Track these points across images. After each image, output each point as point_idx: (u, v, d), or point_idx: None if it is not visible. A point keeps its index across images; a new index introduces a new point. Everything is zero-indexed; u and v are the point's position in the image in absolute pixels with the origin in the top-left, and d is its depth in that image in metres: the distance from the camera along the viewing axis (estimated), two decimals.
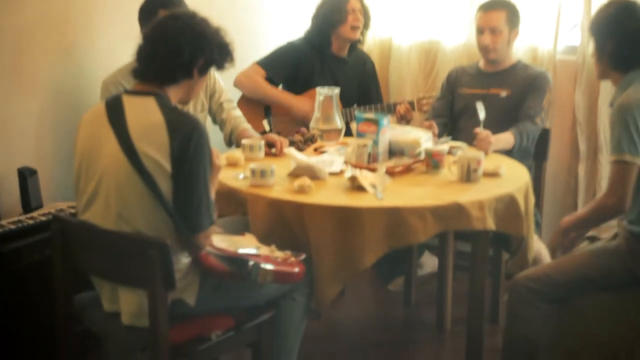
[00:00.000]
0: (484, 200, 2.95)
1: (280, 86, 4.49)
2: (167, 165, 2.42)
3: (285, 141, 3.60)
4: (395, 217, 2.84)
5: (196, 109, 3.81)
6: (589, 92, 4.39)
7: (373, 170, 3.17)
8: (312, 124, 3.80)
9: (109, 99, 2.57)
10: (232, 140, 3.87)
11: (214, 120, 3.93)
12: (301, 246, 2.87)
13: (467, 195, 2.98)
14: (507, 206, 3.04)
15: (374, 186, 3.01)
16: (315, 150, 3.57)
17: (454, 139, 3.90)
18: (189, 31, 2.51)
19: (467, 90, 4.16)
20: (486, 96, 4.05)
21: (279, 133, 4.09)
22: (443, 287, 3.97)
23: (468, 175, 3.15)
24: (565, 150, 4.52)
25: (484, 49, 4.06)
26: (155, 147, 2.42)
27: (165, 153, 2.42)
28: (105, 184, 2.47)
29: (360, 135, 3.41)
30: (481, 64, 4.21)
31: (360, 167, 3.21)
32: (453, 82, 4.27)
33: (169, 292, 2.43)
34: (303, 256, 2.69)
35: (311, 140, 3.63)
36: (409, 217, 2.84)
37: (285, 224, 2.92)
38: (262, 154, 3.49)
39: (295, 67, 4.44)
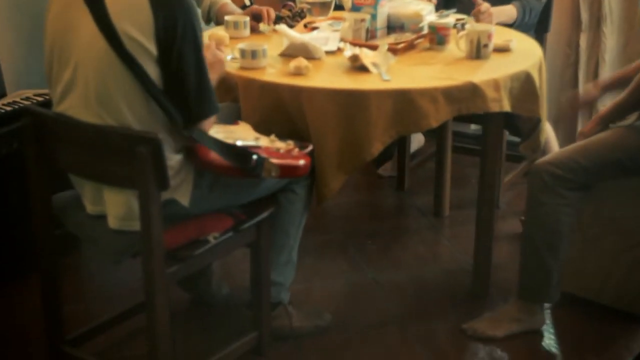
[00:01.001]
0: (499, 79, 2.72)
1: None
2: (152, 48, 2.14)
3: (272, 12, 3.29)
4: (403, 100, 2.61)
5: None
6: None
7: (374, 47, 2.90)
8: None
9: None
10: (211, 16, 3.55)
11: None
12: (301, 134, 2.64)
13: (480, 74, 2.75)
14: (523, 85, 2.82)
15: (376, 66, 2.76)
16: (306, 26, 3.28)
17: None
18: None
19: None
20: None
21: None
22: (442, 170, 3.76)
23: (478, 51, 2.90)
24: (566, 21, 4.27)
25: None
26: (137, 27, 2.14)
27: (149, 33, 2.14)
28: (83, 71, 2.19)
29: (355, 8, 3.12)
30: None
31: (359, 45, 2.94)
32: None
33: (162, 192, 2.18)
34: (310, 148, 2.45)
35: (300, 15, 3.34)
36: (419, 99, 2.61)
37: (282, 110, 2.67)
38: (248, 31, 3.20)
39: None
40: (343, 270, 3.30)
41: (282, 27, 3.00)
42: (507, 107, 2.75)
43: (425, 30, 3.10)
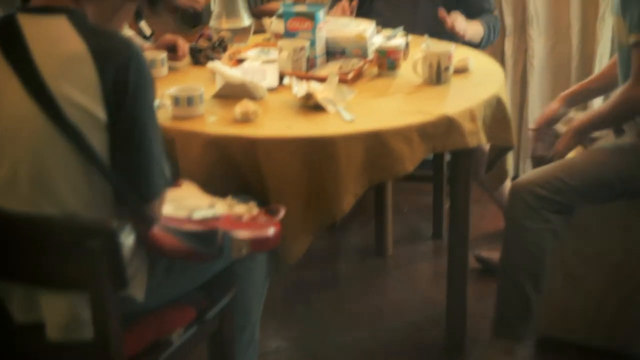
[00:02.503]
0: (474, 109, 2.46)
1: None
2: (100, 112, 1.75)
3: (186, 44, 2.91)
4: (376, 143, 2.30)
5: None
6: None
7: (321, 79, 2.57)
8: (212, 23, 3.12)
9: None
10: None
11: None
12: (256, 192, 2.28)
13: (452, 104, 2.48)
14: (495, 112, 2.58)
15: (332, 103, 2.43)
16: (231, 58, 2.91)
17: None
18: None
19: None
20: None
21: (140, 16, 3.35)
22: (382, 201, 3.45)
23: (438, 75, 2.63)
24: None
25: None
26: (79, 87, 1.74)
27: (95, 94, 1.74)
28: (10, 148, 1.78)
29: (290, 34, 2.78)
30: None
31: (304, 78, 2.60)
32: None
33: (120, 292, 1.78)
34: (281, 213, 2.09)
35: (221, 45, 2.96)
36: (393, 141, 2.31)
37: (233, 166, 2.31)
38: (166, 69, 2.80)
39: None
40: (295, 336, 2.95)
41: (215, 64, 2.62)
42: (484, 139, 2.49)
43: (371, 55, 2.79)
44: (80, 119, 1.74)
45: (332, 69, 2.73)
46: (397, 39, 2.83)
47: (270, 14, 3.66)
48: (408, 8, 3.47)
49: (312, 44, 2.74)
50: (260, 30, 3.29)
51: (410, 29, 3.09)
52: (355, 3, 3.26)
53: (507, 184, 3.09)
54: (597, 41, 3.86)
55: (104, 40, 1.79)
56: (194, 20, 3.73)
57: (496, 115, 2.57)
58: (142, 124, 1.80)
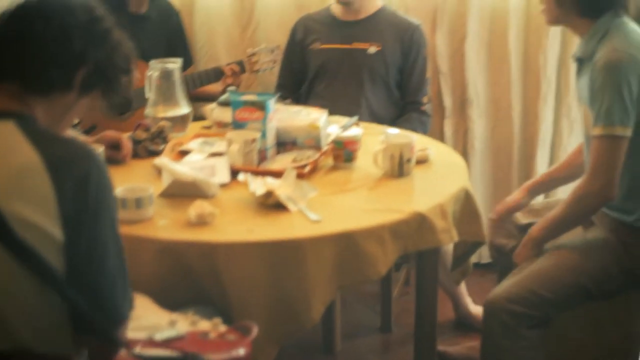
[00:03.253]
0: (444, 204, 2.34)
1: None
2: (57, 231, 1.54)
3: (129, 141, 2.71)
4: (346, 245, 2.15)
5: None
6: (451, 34, 3.85)
7: (277, 174, 2.41)
8: (147, 111, 2.93)
9: None
10: None
11: None
12: (216, 303, 2.08)
13: (421, 200, 2.35)
14: (464, 205, 2.47)
15: (292, 200, 2.27)
16: (173, 151, 2.72)
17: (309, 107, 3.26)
18: (87, 12, 1.64)
19: (322, 45, 3.49)
20: (350, 52, 3.43)
21: (93, 128, 3.19)
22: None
23: (400, 167, 2.51)
24: None
25: None
26: (32, 204, 1.53)
27: (51, 211, 1.54)
28: None
29: (238, 125, 2.62)
30: (336, 10, 3.56)
31: (258, 173, 2.43)
32: (301, 39, 3.58)
33: None
34: (254, 332, 1.89)
35: (160, 136, 2.77)
36: (364, 242, 2.17)
37: (190, 275, 2.11)
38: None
39: None
40: None
41: (162, 160, 2.42)
42: (455, 236, 2.35)
43: (324, 145, 2.65)
44: (34, 239, 1.53)
45: (285, 162, 2.57)
46: (353, 128, 2.68)
47: (205, 98, 3.52)
48: (351, 92, 3.40)
49: (263, 135, 2.58)
50: (197, 116, 3.12)
51: (353, 113, 3.01)
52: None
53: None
54: (539, 122, 3.82)
55: (60, 148, 1.59)
56: (123, 107, 3.53)
57: (465, 210, 2.45)
58: (104, 242, 1.60)
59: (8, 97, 1.63)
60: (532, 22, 3.79)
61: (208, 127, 3.02)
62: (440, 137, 3.89)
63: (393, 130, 2.79)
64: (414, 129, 3.33)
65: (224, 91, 3.52)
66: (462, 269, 2.71)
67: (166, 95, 2.92)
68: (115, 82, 1.79)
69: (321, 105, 3.25)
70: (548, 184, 2.83)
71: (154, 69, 2.92)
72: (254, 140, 2.53)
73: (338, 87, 3.48)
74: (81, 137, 2.75)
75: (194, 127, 3.02)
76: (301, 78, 3.64)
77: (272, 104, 2.62)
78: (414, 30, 3.49)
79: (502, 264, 2.82)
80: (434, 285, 2.48)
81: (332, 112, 2.91)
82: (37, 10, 1.64)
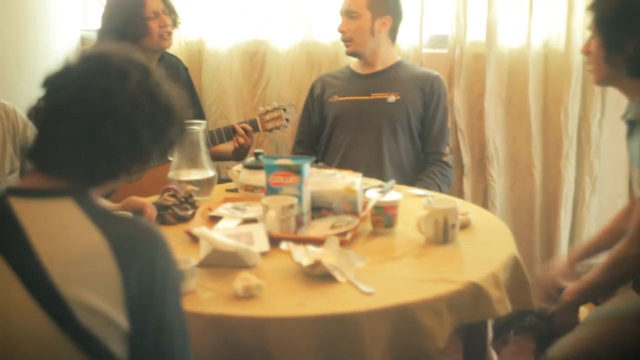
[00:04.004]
0: (497, 273, 2.25)
1: None
2: (122, 318, 1.44)
3: (154, 211, 2.61)
4: (403, 319, 2.06)
5: (4, 169, 2.71)
6: (468, 91, 3.81)
7: (318, 242, 2.32)
8: (171, 175, 2.84)
9: None
10: None
11: None
12: None
13: (474, 269, 2.27)
14: (513, 273, 2.38)
15: (339, 270, 2.17)
16: (202, 216, 2.63)
17: (328, 161, 3.21)
18: (152, 102, 1.54)
19: (341, 97, 3.46)
20: (369, 103, 3.39)
21: (113, 192, 3.10)
22: None
23: (445, 234, 2.43)
24: None
25: (342, 39, 3.41)
26: (97, 290, 1.44)
27: (117, 298, 1.45)
28: None
29: (273, 190, 2.53)
30: (354, 66, 3.54)
31: (298, 241, 2.34)
32: (320, 94, 3.55)
33: None
34: None
35: (188, 201, 2.68)
36: (421, 315, 2.07)
37: (238, 351, 2.01)
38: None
39: None
40: None
41: (202, 230, 2.32)
42: (509, 306, 2.27)
43: (361, 210, 2.57)
44: (98, 327, 1.44)
45: (323, 228, 2.49)
46: (392, 192, 2.60)
47: (216, 157, 3.44)
48: (371, 142, 3.36)
49: (299, 200, 2.49)
50: (221, 179, 3.04)
51: (373, 164, 2.94)
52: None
53: None
54: (561, 180, 3.76)
55: (124, 230, 1.50)
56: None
57: (515, 278, 2.37)
58: (171, 328, 1.52)
59: (61, 177, 1.54)
60: (551, 78, 3.76)
61: (233, 190, 2.93)
62: (459, 194, 3.83)
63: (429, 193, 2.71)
64: (437, 184, 3.29)
65: (237, 150, 3.45)
66: (503, 337, 2.61)
67: (191, 157, 2.84)
68: (167, 155, 1.72)
69: (341, 156, 3.22)
70: (593, 252, 2.75)
71: None
72: (291, 206, 2.45)
73: (358, 137, 3.44)
74: (106, 204, 2.65)
75: (217, 190, 2.93)
76: (319, 133, 3.59)
77: (307, 167, 2.54)
78: (434, 80, 3.46)
79: (541, 329, 2.73)
80: (484, 357, 2.38)
81: (352, 163, 2.86)
82: (106, 109, 1.53)
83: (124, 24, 3.42)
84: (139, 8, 3.47)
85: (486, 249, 2.42)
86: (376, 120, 3.41)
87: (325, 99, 3.53)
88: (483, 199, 3.87)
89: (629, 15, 2.34)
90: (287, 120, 3.59)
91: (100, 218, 1.49)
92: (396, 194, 2.58)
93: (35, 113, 1.60)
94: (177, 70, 3.77)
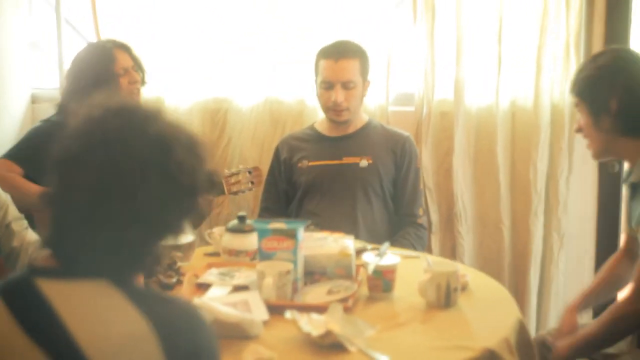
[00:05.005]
0: (509, 337, 2.18)
1: None
2: None
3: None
4: None
5: None
6: (435, 149, 3.78)
7: (320, 309, 2.22)
8: None
9: (5, 288, 1.38)
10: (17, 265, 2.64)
11: None
12: None
13: (486, 334, 2.20)
14: (519, 337, 2.31)
15: (349, 340, 2.08)
16: (191, 283, 2.51)
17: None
18: (186, 176, 1.42)
19: (311, 162, 3.36)
20: (341, 168, 3.31)
21: None
22: None
23: (447, 297, 2.36)
24: None
25: (334, 109, 3.30)
26: None
27: None
28: None
29: (265, 255, 2.43)
30: (321, 127, 3.45)
31: (299, 309, 2.24)
32: (287, 158, 3.45)
33: None
34: None
35: (172, 268, 2.55)
36: None
37: None
38: None
39: None
40: None
41: (204, 300, 2.20)
42: None
43: (355, 274, 2.49)
44: None
45: (319, 294, 2.40)
46: (389, 255, 2.52)
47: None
48: (345, 208, 3.28)
49: (294, 266, 2.40)
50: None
51: (349, 230, 2.87)
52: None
53: None
54: (531, 237, 3.74)
55: (168, 312, 1.39)
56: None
57: (521, 341, 2.31)
58: None
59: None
60: (518, 136, 3.76)
61: (213, 254, 2.82)
62: (427, 251, 3.77)
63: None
64: (412, 245, 3.23)
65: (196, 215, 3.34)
66: None
67: None
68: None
69: (315, 223, 3.12)
70: (592, 301, 2.74)
71: None
72: (288, 272, 2.35)
73: (331, 203, 3.35)
74: None
75: (195, 254, 2.82)
76: (287, 199, 3.49)
77: (302, 231, 2.45)
78: (404, 141, 3.40)
79: None
80: None
81: (326, 229, 2.79)
82: (142, 184, 1.42)
83: (95, 80, 3.30)
84: (110, 64, 3.36)
85: (491, 312, 2.36)
86: (349, 185, 3.33)
87: (294, 164, 3.43)
88: (451, 257, 3.82)
89: (606, 75, 2.38)
90: (252, 183, 3.49)
91: (141, 299, 1.38)
92: (393, 257, 2.50)
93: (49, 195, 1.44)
94: None
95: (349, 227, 3.17)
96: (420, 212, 3.38)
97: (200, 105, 3.97)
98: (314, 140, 3.45)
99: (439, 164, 3.81)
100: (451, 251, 3.84)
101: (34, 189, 3.06)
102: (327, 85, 3.31)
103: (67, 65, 4.05)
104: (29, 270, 1.43)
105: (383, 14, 3.76)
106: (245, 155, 3.88)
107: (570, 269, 3.82)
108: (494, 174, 3.75)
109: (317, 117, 3.75)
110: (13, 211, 2.66)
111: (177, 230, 1.47)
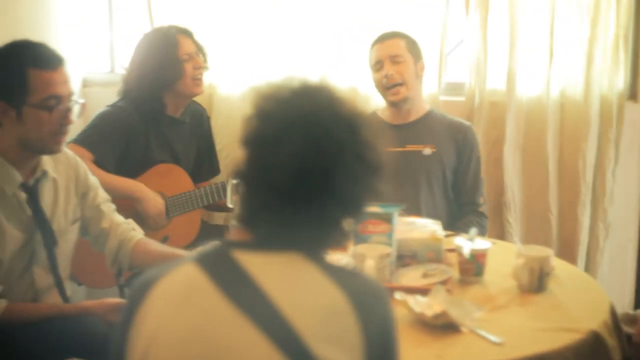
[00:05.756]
0: (608, 320, 2.25)
1: None
2: None
3: None
4: None
5: (67, 219, 2.59)
6: (485, 138, 3.85)
7: (423, 291, 2.28)
8: (234, 224, 2.76)
9: (204, 260, 1.44)
10: (120, 260, 2.69)
11: (86, 232, 2.71)
12: None
13: (588, 317, 2.27)
14: (612, 319, 2.37)
15: (459, 321, 2.15)
16: None
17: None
18: (373, 154, 1.53)
19: None
20: (404, 155, 3.36)
21: (165, 239, 3.03)
22: None
23: (540, 282, 2.43)
24: None
25: (388, 85, 3.37)
26: (342, 349, 1.39)
27: (358, 356, 1.38)
28: None
29: (361, 239, 2.49)
30: (385, 114, 3.50)
31: (404, 290, 2.30)
32: None
33: None
34: None
35: None
36: None
37: None
38: None
39: (126, 143, 3.33)
40: None
41: None
42: (618, 354, 2.27)
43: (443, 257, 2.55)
44: None
45: (414, 277, 2.47)
46: (481, 240, 2.59)
47: (221, 209, 3.50)
48: (408, 195, 3.34)
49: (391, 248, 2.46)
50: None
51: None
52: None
53: None
54: (578, 227, 3.83)
55: (360, 285, 1.46)
56: None
57: (614, 324, 2.37)
58: None
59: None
60: (567, 127, 3.83)
61: None
62: None
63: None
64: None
65: None
66: None
67: None
68: None
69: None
70: None
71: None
72: (388, 255, 2.41)
73: (394, 190, 3.38)
74: (162, 248, 2.62)
75: None
76: None
77: (396, 216, 2.51)
78: (466, 130, 3.46)
79: None
80: None
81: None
82: (339, 163, 1.48)
83: (160, 65, 3.33)
84: (174, 50, 3.38)
85: (583, 295, 2.44)
86: (412, 172, 3.37)
87: None
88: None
89: None
90: None
91: (335, 273, 1.44)
92: (484, 242, 2.57)
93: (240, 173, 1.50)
94: (201, 119, 3.70)
95: (412, 214, 3.22)
96: (481, 200, 3.44)
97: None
98: (379, 127, 3.50)
99: (487, 153, 3.87)
100: (499, 239, 3.90)
101: (104, 177, 3.07)
102: (379, 66, 3.38)
103: (118, 49, 4.10)
104: (225, 243, 1.48)
105: (435, 3, 3.81)
106: None
107: (614, 258, 3.89)
108: (543, 163, 3.82)
109: (371, 104, 3.80)
110: (102, 193, 2.70)
111: (363, 208, 1.52)
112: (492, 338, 2.09)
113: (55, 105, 2.36)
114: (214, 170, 3.76)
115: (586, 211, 3.83)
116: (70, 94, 2.40)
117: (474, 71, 3.80)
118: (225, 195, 3.47)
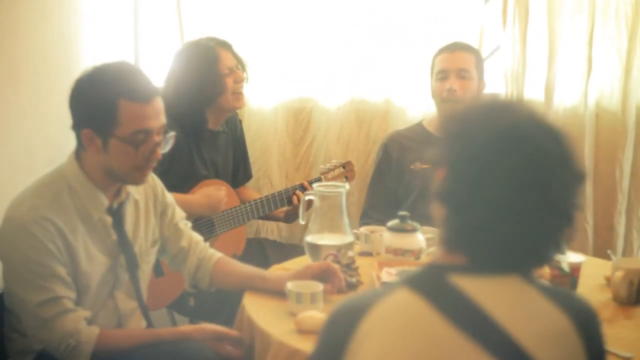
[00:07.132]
0: None
1: None
2: None
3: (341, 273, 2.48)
4: None
5: (147, 241, 2.49)
6: None
7: None
8: (309, 239, 2.72)
9: (419, 286, 1.37)
10: (199, 279, 2.60)
11: (164, 252, 2.61)
12: None
13: None
14: None
15: None
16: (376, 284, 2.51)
17: None
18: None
19: (425, 164, 3.35)
20: None
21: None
22: None
23: (638, 294, 2.39)
24: None
25: (448, 99, 3.29)
26: None
27: None
28: None
29: None
30: (431, 126, 3.45)
31: None
32: (398, 158, 3.44)
33: None
34: None
35: (352, 268, 2.56)
36: None
37: None
38: (321, 305, 2.33)
39: (169, 160, 3.14)
40: None
41: None
42: None
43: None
44: None
45: None
46: (570, 254, 2.55)
47: (271, 218, 3.61)
48: None
49: None
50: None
51: None
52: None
53: None
54: (615, 235, 3.84)
55: (579, 306, 1.43)
56: None
57: None
58: None
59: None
60: (603, 137, 3.83)
61: (365, 254, 2.82)
62: None
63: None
64: None
65: (291, 212, 3.36)
66: None
67: (333, 223, 2.69)
68: None
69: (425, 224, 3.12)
70: None
71: (317, 193, 2.69)
72: None
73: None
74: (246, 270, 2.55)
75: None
76: (395, 198, 3.47)
77: None
78: None
79: None
80: None
81: None
82: (560, 179, 1.43)
83: (201, 81, 3.23)
84: (215, 64, 3.28)
85: None
86: None
87: (406, 165, 3.42)
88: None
89: None
90: (346, 178, 3.50)
91: (551, 293, 1.40)
92: (577, 255, 2.54)
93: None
94: (235, 124, 3.61)
95: None
96: None
97: (285, 105, 3.95)
98: (425, 140, 3.43)
99: None
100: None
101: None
102: (443, 75, 3.33)
103: (144, 62, 3.99)
104: (436, 267, 1.42)
105: (472, 13, 3.79)
106: (330, 155, 3.88)
107: None
108: None
109: (405, 117, 3.77)
110: (179, 211, 2.61)
111: (575, 220, 1.47)
112: (621, 353, 2.06)
113: (144, 140, 2.23)
114: (248, 175, 3.67)
115: (622, 220, 3.83)
116: (161, 127, 2.27)
117: (512, 82, 3.78)
118: (270, 209, 3.39)
